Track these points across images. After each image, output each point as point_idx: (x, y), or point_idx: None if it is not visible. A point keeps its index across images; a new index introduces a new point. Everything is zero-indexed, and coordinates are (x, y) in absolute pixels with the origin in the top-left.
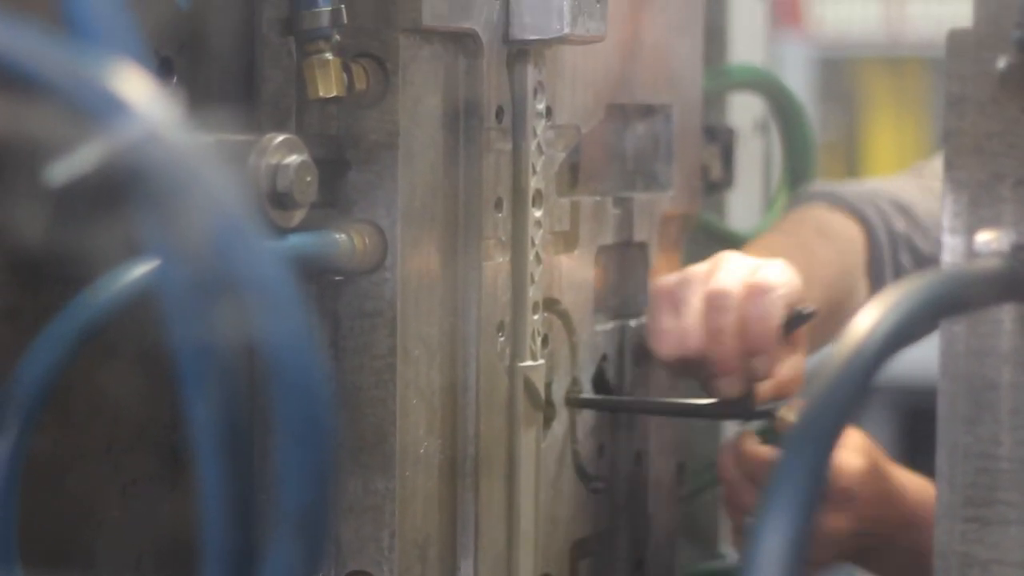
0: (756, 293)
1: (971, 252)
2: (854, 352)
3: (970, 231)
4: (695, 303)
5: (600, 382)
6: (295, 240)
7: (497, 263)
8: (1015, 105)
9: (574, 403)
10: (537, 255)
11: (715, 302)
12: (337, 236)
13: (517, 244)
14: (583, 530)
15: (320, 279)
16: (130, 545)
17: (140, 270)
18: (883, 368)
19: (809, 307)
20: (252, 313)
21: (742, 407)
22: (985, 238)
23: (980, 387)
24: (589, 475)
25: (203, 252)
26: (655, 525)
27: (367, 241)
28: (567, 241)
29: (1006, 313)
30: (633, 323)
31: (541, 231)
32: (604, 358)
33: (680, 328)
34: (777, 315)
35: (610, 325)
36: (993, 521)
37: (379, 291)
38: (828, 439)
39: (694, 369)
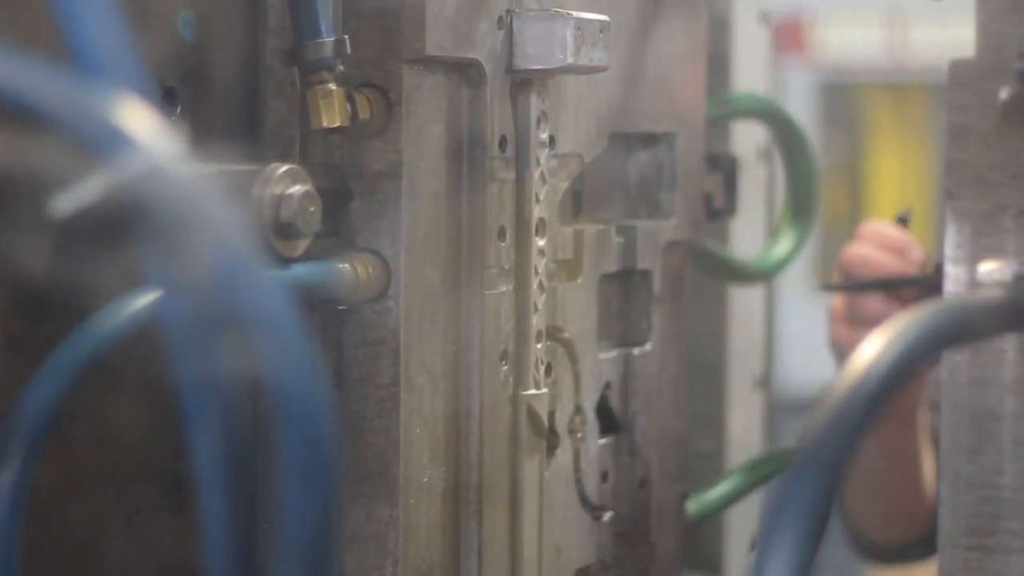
0: (861, 233)
1: (974, 282)
2: (858, 382)
3: (973, 261)
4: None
5: (603, 410)
6: (298, 270)
7: (500, 292)
8: (1017, 136)
9: (828, 288)
10: (540, 283)
11: (848, 260)
12: (340, 266)
13: (520, 273)
14: (587, 558)
15: (323, 308)
16: (133, 574)
17: (143, 301)
18: (888, 398)
19: (903, 210)
20: (256, 345)
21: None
22: (988, 268)
23: (983, 417)
24: (592, 503)
25: (206, 284)
26: (659, 552)
27: (370, 270)
28: (570, 269)
29: (1009, 343)
30: (636, 351)
31: (544, 260)
32: (608, 386)
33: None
34: (889, 225)
35: (613, 353)
36: (996, 550)
37: (382, 320)
38: (832, 468)
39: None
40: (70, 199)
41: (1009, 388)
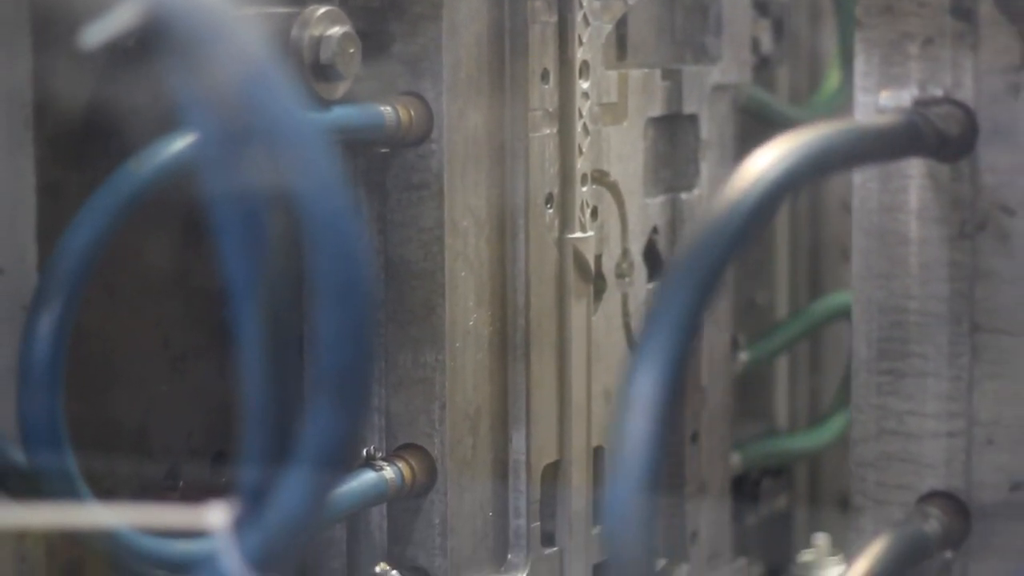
0: None
1: (880, 109)
2: (750, 187)
3: (880, 89)
4: None
5: (651, 255)
6: (339, 112)
7: (544, 135)
8: None
9: None
10: (585, 126)
11: None
12: (382, 108)
13: (564, 115)
14: None
15: (366, 152)
16: (180, 420)
17: (182, 143)
18: (774, 210)
19: None
20: (284, 166)
21: None
22: (889, 94)
23: (892, 243)
24: None
25: (234, 106)
26: (709, 398)
27: (412, 113)
28: (615, 113)
29: (914, 168)
30: (684, 196)
31: (588, 103)
32: (655, 230)
33: None
34: None
35: (661, 198)
36: (907, 373)
37: (426, 163)
38: (711, 271)
39: None
40: (101, 29)
41: (915, 213)
